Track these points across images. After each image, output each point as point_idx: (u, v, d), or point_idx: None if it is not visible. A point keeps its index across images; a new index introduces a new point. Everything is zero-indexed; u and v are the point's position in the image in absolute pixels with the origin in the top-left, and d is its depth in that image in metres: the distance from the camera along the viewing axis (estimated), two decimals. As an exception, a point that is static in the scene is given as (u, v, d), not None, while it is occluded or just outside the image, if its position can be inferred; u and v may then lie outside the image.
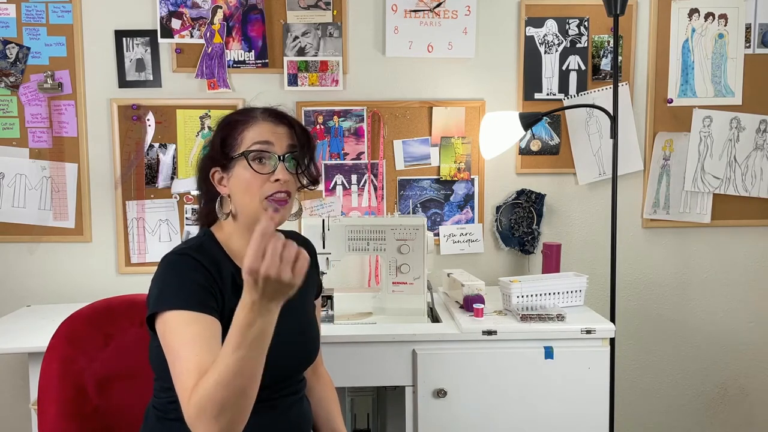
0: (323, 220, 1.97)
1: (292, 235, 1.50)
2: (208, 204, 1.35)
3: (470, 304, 1.98)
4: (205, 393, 1.03)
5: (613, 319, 2.16)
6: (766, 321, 2.56)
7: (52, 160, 2.34)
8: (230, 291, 1.26)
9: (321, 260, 1.95)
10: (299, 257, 0.99)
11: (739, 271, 2.53)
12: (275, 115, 1.31)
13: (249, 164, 1.26)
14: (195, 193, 2.37)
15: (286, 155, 1.28)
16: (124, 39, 2.33)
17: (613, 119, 2.19)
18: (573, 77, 2.43)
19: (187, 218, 2.39)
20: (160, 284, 1.22)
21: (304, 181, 1.33)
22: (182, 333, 1.14)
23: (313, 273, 1.50)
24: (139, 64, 2.34)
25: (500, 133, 2.28)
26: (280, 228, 1.39)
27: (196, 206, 2.38)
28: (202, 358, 1.10)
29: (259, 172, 1.26)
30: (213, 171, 1.31)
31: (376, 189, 2.42)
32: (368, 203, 2.43)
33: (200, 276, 1.22)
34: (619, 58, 2.38)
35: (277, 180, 1.26)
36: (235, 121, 1.31)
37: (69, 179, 2.35)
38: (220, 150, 1.29)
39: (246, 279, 0.98)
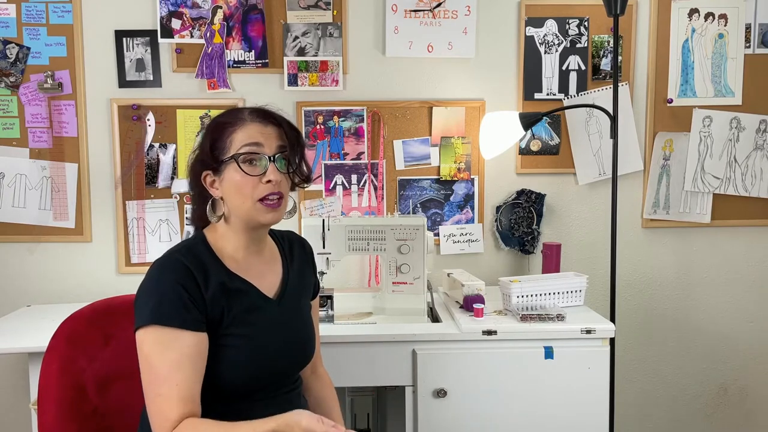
0: (323, 220, 1.97)
1: (289, 236, 1.50)
2: (201, 206, 1.34)
3: (470, 304, 1.98)
4: None
5: (613, 319, 2.16)
6: (766, 321, 2.56)
7: (52, 160, 2.34)
8: (218, 295, 1.26)
9: (321, 260, 1.95)
10: None
11: (739, 271, 2.53)
12: (263, 116, 1.30)
13: (239, 167, 1.26)
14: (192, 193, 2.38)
15: (277, 155, 1.28)
16: (124, 39, 2.33)
17: (613, 119, 2.19)
18: (573, 77, 2.43)
19: (187, 218, 2.39)
20: (146, 294, 1.23)
21: (296, 180, 1.34)
22: (163, 353, 1.19)
23: (310, 274, 1.50)
24: (139, 64, 2.34)
25: (500, 133, 2.28)
26: (276, 227, 1.40)
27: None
28: (182, 388, 1.17)
29: (250, 174, 1.26)
30: (204, 174, 1.31)
31: (376, 189, 2.42)
32: (368, 203, 2.43)
33: (186, 286, 1.22)
34: (619, 58, 2.38)
35: (269, 181, 1.26)
36: (224, 123, 1.30)
37: (69, 179, 2.35)
38: (210, 154, 1.29)
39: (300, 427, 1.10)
